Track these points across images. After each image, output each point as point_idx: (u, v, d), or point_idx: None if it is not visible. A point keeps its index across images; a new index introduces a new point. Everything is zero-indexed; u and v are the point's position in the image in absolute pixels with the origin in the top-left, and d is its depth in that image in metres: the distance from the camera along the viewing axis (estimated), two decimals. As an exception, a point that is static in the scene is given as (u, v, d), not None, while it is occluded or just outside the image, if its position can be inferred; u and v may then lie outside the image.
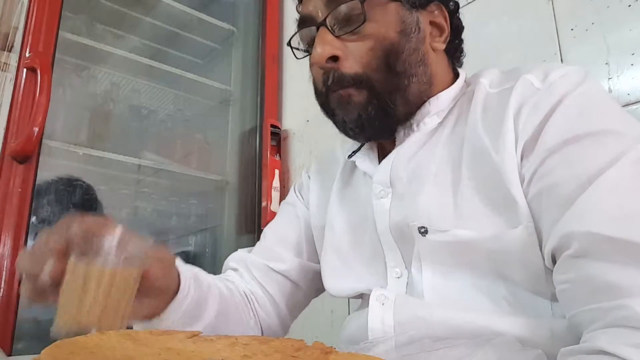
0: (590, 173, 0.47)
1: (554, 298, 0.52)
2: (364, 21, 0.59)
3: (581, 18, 0.97)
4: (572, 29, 0.99)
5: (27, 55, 1.19)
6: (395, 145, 0.65)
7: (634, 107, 0.89)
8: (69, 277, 0.45)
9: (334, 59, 0.60)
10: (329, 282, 0.71)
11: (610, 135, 0.49)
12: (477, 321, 0.53)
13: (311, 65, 0.63)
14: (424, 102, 0.63)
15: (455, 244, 0.55)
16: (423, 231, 0.57)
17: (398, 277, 0.62)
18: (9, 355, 1.02)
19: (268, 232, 0.81)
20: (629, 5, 0.91)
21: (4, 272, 1.07)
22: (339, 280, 0.70)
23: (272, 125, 1.62)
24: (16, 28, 1.32)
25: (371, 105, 0.60)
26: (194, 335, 0.39)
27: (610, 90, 0.92)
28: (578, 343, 0.44)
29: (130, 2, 1.66)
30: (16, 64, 1.21)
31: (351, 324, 0.66)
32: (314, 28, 0.62)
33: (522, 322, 0.51)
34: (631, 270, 0.42)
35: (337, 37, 0.60)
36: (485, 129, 0.57)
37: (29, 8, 1.24)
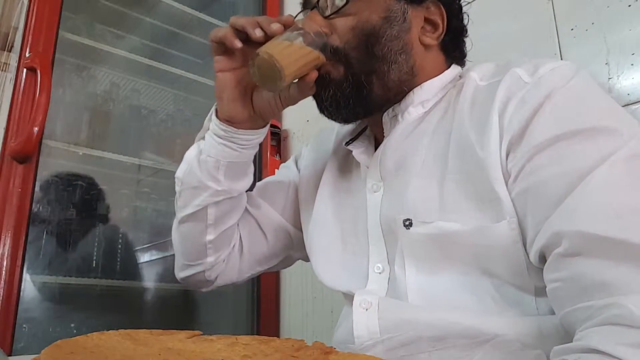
0: (580, 171, 0.46)
1: (537, 293, 0.52)
2: (347, 2, 0.62)
3: (581, 18, 0.97)
4: (572, 29, 0.99)
5: (27, 55, 1.19)
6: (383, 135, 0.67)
7: (634, 107, 0.89)
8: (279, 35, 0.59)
9: None
10: (317, 262, 0.71)
11: (601, 132, 0.48)
12: (465, 322, 0.53)
13: None
14: (407, 92, 0.64)
15: (439, 236, 0.56)
16: (407, 224, 0.58)
17: (379, 273, 0.62)
18: (9, 355, 1.02)
19: (258, 183, 0.84)
20: (629, 5, 0.91)
21: (4, 272, 1.07)
22: (328, 263, 0.70)
23: (272, 125, 1.62)
24: (16, 28, 1.32)
25: (346, 83, 0.61)
26: (194, 335, 0.39)
27: (610, 90, 0.92)
28: (568, 341, 0.43)
29: (130, 2, 1.66)
30: (16, 64, 1.21)
31: (340, 328, 0.65)
32: (307, 10, 0.66)
33: (510, 322, 0.51)
34: (623, 268, 0.41)
35: (325, 17, 0.63)
36: (472, 123, 0.57)
37: (29, 8, 1.24)
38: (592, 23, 0.96)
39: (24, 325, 1.13)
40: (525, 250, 0.51)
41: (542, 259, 0.49)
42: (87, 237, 1.38)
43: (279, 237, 0.80)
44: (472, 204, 0.54)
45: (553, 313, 0.50)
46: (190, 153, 0.72)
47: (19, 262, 1.09)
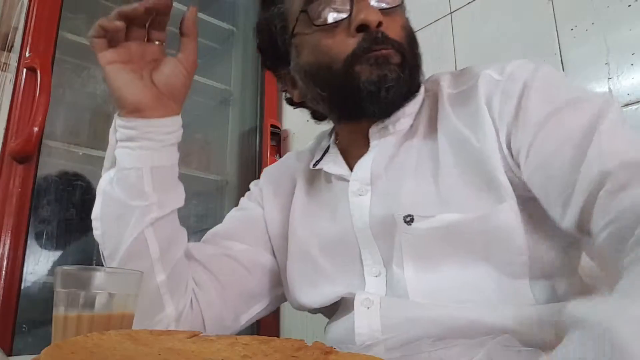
0: (584, 130, 0.50)
1: (532, 276, 0.55)
2: (401, 4, 0.65)
3: (581, 18, 0.97)
4: (572, 29, 0.99)
5: (27, 55, 1.19)
6: (366, 146, 0.67)
7: (634, 107, 0.89)
8: None
9: (379, 25, 0.61)
10: (299, 290, 0.69)
11: (584, 101, 0.53)
12: (467, 316, 0.54)
13: (358, 26, 0.61)
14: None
15: (441, 229, 0.57)
16: (409, 220, 0.58)
17: (376, 276, 0.62)
18: (9, 355, 1.02)
19: (219, 230, 0.77)
20: (629, 5, 0.91)
21: (4, 272, 1.07)
22: (311, 287, 0.68)
23: (272, 125, 1.62)
24: (16, 28, 1.32)
25: (404, 69, 0.62)
26: (194, 335, 0.39)
27: (610, 90, 0.92)
28: (564, 330, 0.42)
29: (130, 2, 1.66)
30: (16, 64, 1.21)
31: (336, 329, 0.64)
32: None
33: (509, 314, 0.53)
34: None
35: (377, 9, 0.63)
36: (463, 122, 0.60)
37: (29, 8, 1.24)
38: (592, 23, 0.96)
39: (24, 325, 1.13)
40: (561, 223, 0.52)
41: (582, 221, 0.49)
42: (87, 237, 1.38)
43: (265, 273, 0.74)
44: (471, 192, 0.57)
45: (549, 301, 0.53)
46: (101, 185, 0.63)
47: (19, 262, 1.10)
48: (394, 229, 0.60)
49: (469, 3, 1.16)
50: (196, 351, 0.35)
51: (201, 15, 1.68)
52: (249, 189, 0.82)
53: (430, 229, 0.57)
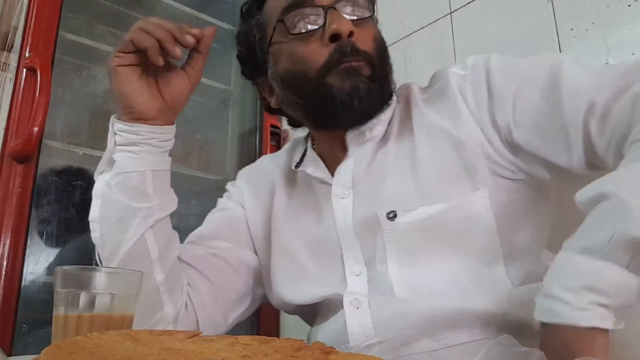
0: (550, 78, 0.57)
1: (506, 261, 0.59)
2: (372, 15, 0.67)
3: (581, 18, 0.97)
4: (572, 29, 0.99)
5: (27, 55, 1.19)
6: (343, 151, 0.69)
7: (634, 107, 0.89)
8: None
9: (350, 35, 0.63)
10: (282, 287, 0.70)
11: (538, 59, 0.61)
12: (451, 305, 0.56)
13: (331, 36, 0.63)
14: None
15: (423, 221, 0.60)
16: (392, 216, 0.61)
17: (357, 275, 0.63)
18: (9, 355, 1.02)
19: (202, 232, 0.77)
20: (629, 5, 0.91)
21: (4, 272, 1.07)
22: (294, 284, 0.69)
23: (272, 125, 1.62)
24: (16, 28, 1.32)
25: (374, 81, 0.64)
26: (194, 335, 0.39)
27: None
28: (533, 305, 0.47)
29: (130, 2, 1.66)
30: (16, 64, 1.21)
31: (326, 332, 0.64)
32: (319, 8, 0.64)
33: (489, 299, 0.56)
34: None
35: (349, 20, 0.65)
36: (440, 115, 0.64)
37: (29, 8, 1.24)
38: (592, 23, 0.96)
39: (24, 325, 1.13)
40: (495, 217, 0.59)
41: (589, 155, 0.55)
42: (87, 237, 1.37)
43: (249, 272, 0.75)
44: (448, 182, 0.61)
45: (524, 282, 0.58)
46: (98, 188, 0.63)
47: (19, 262, 1.10)
48: (377, 227, 0.62)
49: (469, 3, 1.16)
50: (196, 351, 0.35)
51: (201, 15, 1.68)
52: (226, 190, 0.83)
53: (413, 222, 0.60)
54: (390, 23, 1.31)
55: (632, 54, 0.90)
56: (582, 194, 0.46)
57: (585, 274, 0.42)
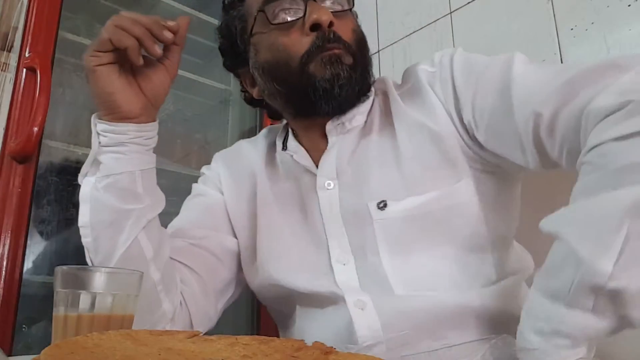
0: (502, 80, 0.58)
1: (494, 249, 0.62)
2: (351, 7, 0.70)
3: (581, 18, 0.97)
4: (572, 29, 0.99)
5: (26, 55, 1.19)
6: (323, 142, 0.70)
7: (633, 107, 0.89)
8: None
9: (330, 25, 0.65)
10: (270, 263, 0.69)
11: (494, 60, 0.62)
12: (448, 302, 0.58)
13: (311, 25, 0.64)
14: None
15: (412, 211, 0.61)
16: (382, 205, 0.62)
17: (344, 264, 0.64)
18: (9, 355, 1.02)
19: (180, 221, 0.77)
20: (629, 5, 0.91)
21: (4, 272, 1.07)
22: (280, 263, 0.69)
23: (272, 124, 1.62)
24: (16, 28, 1.32)
25: (355, 70, 0.66)
26: (194, 335, 0.39)
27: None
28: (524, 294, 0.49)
29: (129, 2, 1.66)
30: (16, 64, 1.21)
31: (324, 331, 0.63)
32: (299, 0, 0.66)
33: (476, 292, 0.58)
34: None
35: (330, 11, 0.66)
36: (417, 112, 0.66)
37: (28, 8, 1.24)
38: (592, 23, 0.96)
39: (24, 325, 1.13)
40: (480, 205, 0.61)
41: (542, 158, 0.55)
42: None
43: (232, 257, 0.75)
44: (432, 175, 0.63)
45: (511, 272, 0.61)
46: (85, 192, 0.62)
47: (19, 262, 1.09)
48: (366, 217, 0.63)
49: (469, 3, 1.16)
50: (196, 351, 0.35)
51: (201, 15, 1.68)
52: (202, 174, 0.83)
53: (403, 210, 0.61)
54: (391, 23, 1.31)
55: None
56: (543, 226, 0.45)
57: (551, 318, 0.42)
